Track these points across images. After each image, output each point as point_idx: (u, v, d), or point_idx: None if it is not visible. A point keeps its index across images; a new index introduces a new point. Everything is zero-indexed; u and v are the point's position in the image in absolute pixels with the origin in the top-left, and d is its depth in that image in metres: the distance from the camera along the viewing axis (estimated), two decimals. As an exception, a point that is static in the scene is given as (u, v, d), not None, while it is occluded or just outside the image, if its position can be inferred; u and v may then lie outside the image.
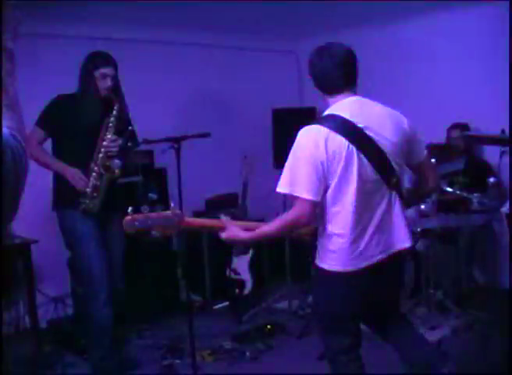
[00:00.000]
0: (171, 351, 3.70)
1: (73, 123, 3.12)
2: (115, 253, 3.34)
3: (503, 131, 3.76)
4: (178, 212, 2.18)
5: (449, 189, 3.87)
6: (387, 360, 2.65)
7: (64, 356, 3.66)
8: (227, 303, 4.55)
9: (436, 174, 2.51)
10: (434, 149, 3.76)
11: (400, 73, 4.91)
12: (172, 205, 2.19)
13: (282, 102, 5.38)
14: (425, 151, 2.40)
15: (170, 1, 3.88)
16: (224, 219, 2.34)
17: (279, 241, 4.72)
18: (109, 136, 3.11)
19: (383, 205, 2.23)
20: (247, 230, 2.32)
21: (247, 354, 3.66)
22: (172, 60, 4.94)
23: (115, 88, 3.18)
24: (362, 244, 2.21)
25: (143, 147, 3.65)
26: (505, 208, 3.85)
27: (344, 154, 2.14)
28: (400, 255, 2.32)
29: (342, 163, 2.14)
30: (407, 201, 2.40)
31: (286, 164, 2.22)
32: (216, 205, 4.87)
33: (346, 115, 2.20)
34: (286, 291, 4.56)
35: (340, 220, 2.21)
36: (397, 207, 2.27)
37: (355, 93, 2.30)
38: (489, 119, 4.27)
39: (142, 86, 4.34)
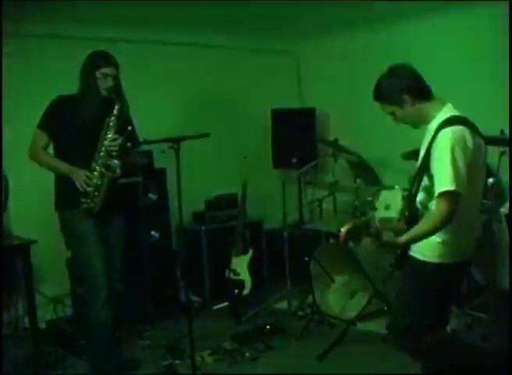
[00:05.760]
0: (170, 351, 3.69)
1: (74, 123, 3.11)
2: (114, 253, 3.33)
3: (502, 132, 3.77)
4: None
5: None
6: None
7: (63, 357, 3.65)
8: (226, 304, 4.54)
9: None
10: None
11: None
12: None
13: (281, 103, 5.38)
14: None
15: (170, 1, 3.88)
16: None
17: (278, 241, 4.72)
18: (110, 135, 3.11)
19: None
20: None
21: (247, 354, 3.65)
22: (172, 61, 4.94)
23: (116, 88, 3.17)
24: None
25: (143, 147, 3.65)
26: (504, 209, 3.85)
27: None
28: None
29: None
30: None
31: None
32: (216, 205, 4.87)
33: None
34: (286, 292, 4.56)
35: None
36: None
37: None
38: (488, 119, 4.27)
39: (142, 86, 4.34)
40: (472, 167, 2.27)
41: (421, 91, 2.42)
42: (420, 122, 2.47)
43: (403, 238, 2.27)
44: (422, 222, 2.29)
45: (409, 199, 2.43)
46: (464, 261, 2.45)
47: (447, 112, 2.38)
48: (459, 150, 2.23)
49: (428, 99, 2.43)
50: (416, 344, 2.48)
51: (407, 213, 2.39)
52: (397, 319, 2.54)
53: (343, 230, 2.20)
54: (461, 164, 2.22)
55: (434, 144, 2.29)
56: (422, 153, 2.41)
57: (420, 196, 2.41)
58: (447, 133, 2.26)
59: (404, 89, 2.39)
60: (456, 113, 2.37)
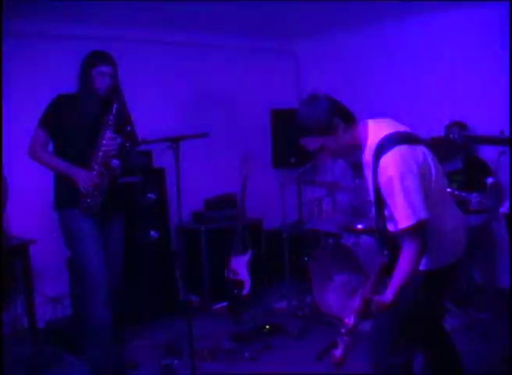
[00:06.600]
0: (170, 351, 3.69)
1: (73, 122, 3.12)
2: (114, 253, 3.33)
3: (501, 132, 3.77)
4: None
5: (448, 189, 3.87)
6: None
7: (62, 356, 3.64)
8: (226, 303, 4.54)
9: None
10: (434, 143, 3.73)
11: (400, 71, 4.92)
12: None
13: (280, 102, 5.38)
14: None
15: (170, 1, 3.88)
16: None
17: (278, 241, 4.72)
18: (108, 134, 3.10)
19: None
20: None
21: (246, 354, 3.65)
22: (171, 60, 4.94)
23: (114, 87, 3.17)
24: None
25: (142, 147, 3.64)
26: (503, 209, 3.86)
27: None
28: None
29: None
30: None
31: None
32: (215, 205, 4.87)
33: None
34: (285, 292, 4.56)
35: None
36: None
37: None
38: (488, 118, 4.29)
39: (141, 86, 4.34)
40: (425, 175, 2.13)
41: (348, 113, 2.20)
42: (354, 149, 2.24)
43: (389, 294, 2.12)
44: (399, 267, 2.13)
45: (382, 237, 2.26)
46: (453, 263, 2.33)
47: (374, 134, 2.18)
48: (404, 173, 2.06)
49: (356, 122, 2.22)
50: (395, 360, 2.36)
51: (385, 252, 2.22)
52: (383, 335, 2.39)
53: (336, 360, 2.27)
54: (412, 188, 2.06)
55: (379, 178, 2.12)
56: (371, 188, 2.22)
57: (390, 226, 2.24)
58: (386, 162, 2.08)
59: (333, 111, 2.16)
60: (383, 129, 2.18)
